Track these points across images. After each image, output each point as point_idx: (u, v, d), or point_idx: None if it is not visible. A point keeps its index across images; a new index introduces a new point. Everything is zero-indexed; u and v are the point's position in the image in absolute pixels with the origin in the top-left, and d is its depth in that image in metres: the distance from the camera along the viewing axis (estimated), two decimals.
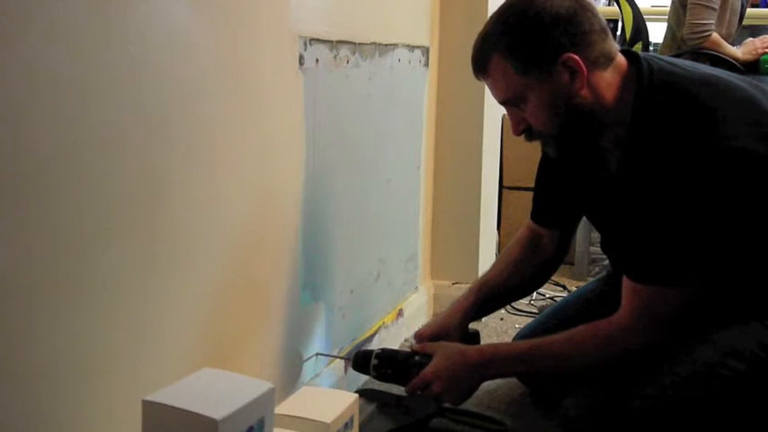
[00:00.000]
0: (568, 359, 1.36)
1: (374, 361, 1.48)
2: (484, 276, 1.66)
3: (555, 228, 1.62)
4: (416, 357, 1.47)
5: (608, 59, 1.31)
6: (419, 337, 1.57)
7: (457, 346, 1.47)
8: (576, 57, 1.27)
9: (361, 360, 1.51)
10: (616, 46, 1.34)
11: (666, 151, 1.24)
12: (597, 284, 1.71)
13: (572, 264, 2.66)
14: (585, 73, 1.28)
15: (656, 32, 3.47)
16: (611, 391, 1.35)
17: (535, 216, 1.64)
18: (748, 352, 1.26)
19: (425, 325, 1.62)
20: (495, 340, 1.98)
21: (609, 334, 1.32)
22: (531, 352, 1.40)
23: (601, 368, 1.35)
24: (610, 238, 1.53)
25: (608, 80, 1.31)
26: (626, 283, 1.30)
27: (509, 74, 1.31)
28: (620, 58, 1.33)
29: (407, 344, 1.98)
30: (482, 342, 1.64)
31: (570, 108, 1.30)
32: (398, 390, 1.67)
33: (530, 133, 1.36)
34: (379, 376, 1.50)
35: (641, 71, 1.30)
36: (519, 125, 1.36)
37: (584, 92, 1.29)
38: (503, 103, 1.37)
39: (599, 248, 2.33)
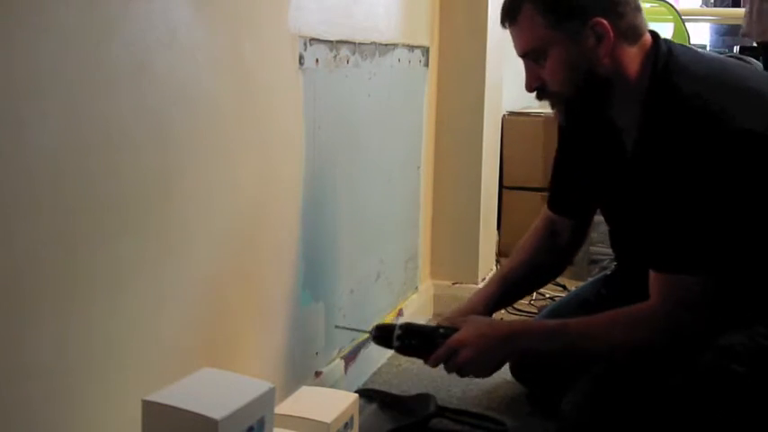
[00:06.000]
0: (595, 339, 1.34)
1: (398, 332, 1.43)
2: (503, 267, 1.64)
3: (570, 216, 1.60)
4: (441, 330, 1.42)
5: (636, 35, 1.31)
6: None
7: (486, 319, 1.45)
8: (606, 23, 1.27)
9: (383, 332, 1.45)
10: (646, 24, 1.34)
11: (683, 135, 1.23)
12: (595, 286, 1.70)
13: (572, 264, 2.65)
14: (612, 41, 1.28)
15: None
16: (609, 389, 1.35)
17: (551, 204, 1.63)
18: (748, 355, 1.26)
19: (449, 312, 1.59)
20: None
21: (639, 317, 1.30)
22: (559, 329, 1.37)
23: (626, 355, 1.33)
24: (622, 229, 1.51)
25: (631, 55, 1.31)
26: (652, 275, 1.29)
27: (537, 25, 1.30)
28: (647, 38, 1.33)
29: None
30: None
31: (590, 73, 1.30)
32: (398, 390, 1.67)
33: (542, 92, 1.35)
34: (403, 347, 1.44)
35: (659, 52, 1.30)
36: (533, 82, 1.34)
37: (607, 60, 1.29)
38: (523, 55, 1.35)
39: (599, 248, 2.34)
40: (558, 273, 1.71)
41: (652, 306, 1.29)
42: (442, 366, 1.42)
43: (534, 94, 1.36)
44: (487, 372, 1.42)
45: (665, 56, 1.29)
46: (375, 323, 1.50)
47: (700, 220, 1.23)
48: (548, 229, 1.63)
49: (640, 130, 1.30)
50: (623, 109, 1.34)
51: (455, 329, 1.40)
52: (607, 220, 1.57)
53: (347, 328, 1.51)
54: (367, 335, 1.48)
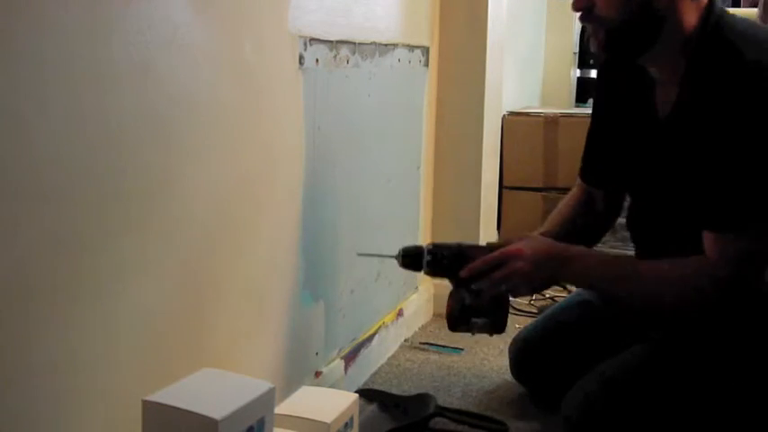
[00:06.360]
0: (648, 279, 1.31)
1: (428, 247, 1.39)
2: (541, 228, 1.61)
3: (601, 187, 1.60)
4: (474, 246, 1.38)
5: None
6: None
7: (545, 238, 1.42)
8: None
9: (411, 253, 1.40)
10: None
11: (739, 91, 1.21)
12: None
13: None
14: None
15: None
16: (610, 389, 1.35)
17: (582, 175, 1.62)
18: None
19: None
20: (494, 342, 1.98)
21: (698, 265, 1.27)
22: (616, 261, 1.35)
23: (676, 310, 1.31)
24: (650, 196, 1.47)
25: (689, 7, 1.28)
26: (708, 236, 1.26)
27: None
28: None
29: (407, 344, 1.98)
30: None
31: (645, 9, 1.27)
32: (398, 390, 1.67)
33: (588, 14, 1.31)
34: (434, 263, 1.38)
35: (713, 10, 1.28)
36: (583, 1, 1.30)
37: (665, 3, 1.27)
38: None
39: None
40: (596, 240, 1.67)
41: (710, 259, 1.26)
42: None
43: (578, 15, 1.32)
44: (531, 289, 1.40)
45: (717, 15, 1.28)
46: (401, 248, 1.43)
47: (762, 177, 1.21)
48: (584, 196, 1.62)
49: (683, 85, 1.29)
50: (663, 58, 1.32)
51: (489, 247, 1.38)
52: (632, 192, 1.54)
53: (370, 255, 1.45)
54: (393, 259, 1.42)
